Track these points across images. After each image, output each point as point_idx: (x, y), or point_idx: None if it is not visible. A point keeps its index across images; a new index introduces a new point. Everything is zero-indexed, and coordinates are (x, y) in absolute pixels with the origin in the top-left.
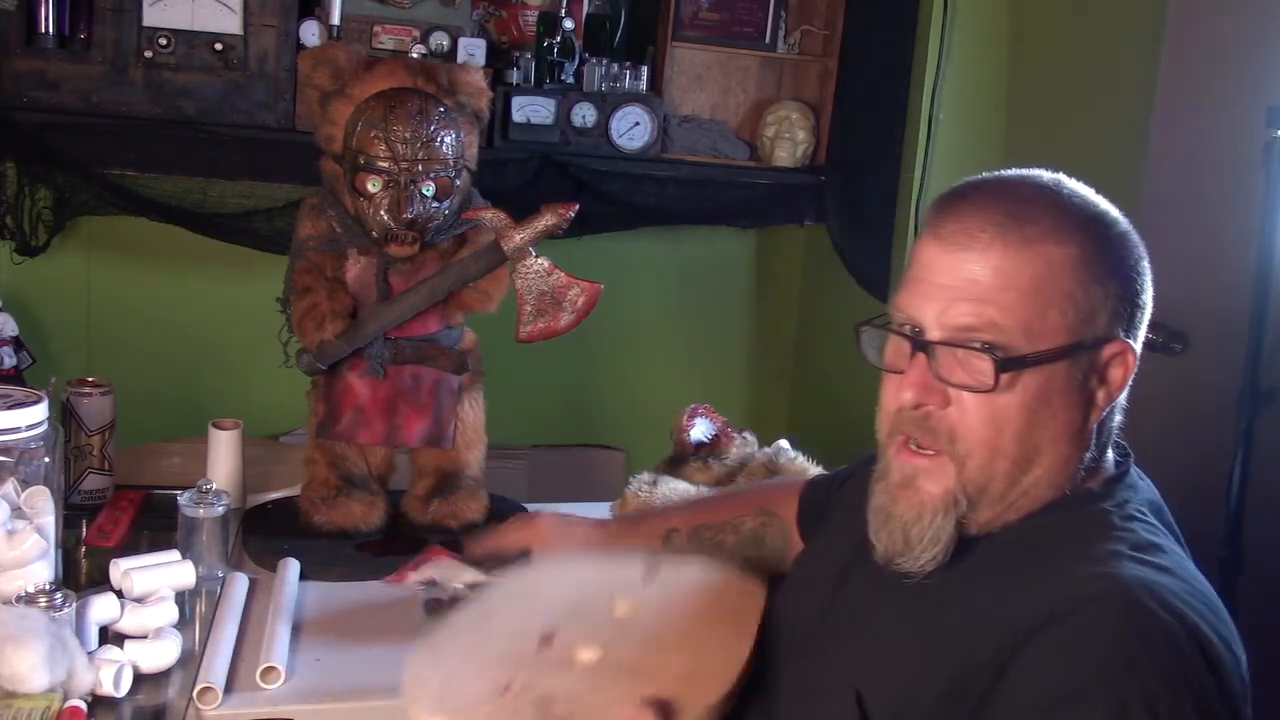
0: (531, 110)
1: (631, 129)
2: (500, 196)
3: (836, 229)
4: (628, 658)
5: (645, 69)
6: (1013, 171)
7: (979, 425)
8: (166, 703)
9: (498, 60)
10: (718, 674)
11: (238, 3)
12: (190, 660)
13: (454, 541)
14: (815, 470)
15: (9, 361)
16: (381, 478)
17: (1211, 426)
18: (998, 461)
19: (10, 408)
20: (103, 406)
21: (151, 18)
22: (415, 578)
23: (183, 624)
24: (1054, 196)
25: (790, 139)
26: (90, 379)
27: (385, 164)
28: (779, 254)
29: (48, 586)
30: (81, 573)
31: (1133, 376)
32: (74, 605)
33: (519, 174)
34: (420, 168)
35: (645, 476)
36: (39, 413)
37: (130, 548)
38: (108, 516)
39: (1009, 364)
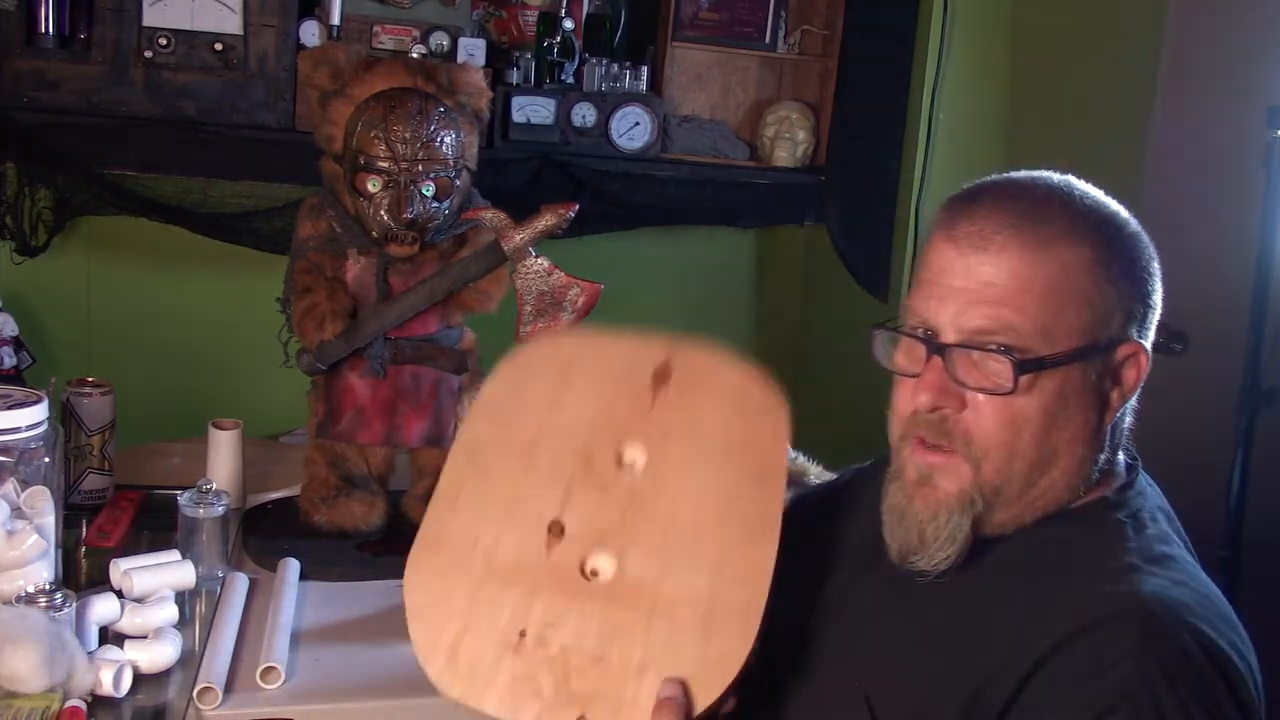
0: (531, 110)
1: (631, 129)
2: (500, 196)
3: (836, 229)
4: (646, 576)
5: (645, 69)
6: (1023, 173)
7: (997, 428)
8: (166, 703)
9: (498, 60)
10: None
11: (238, 3)
12: (190, 660)
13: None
14: (816, 470)
15: (9, 361)
16: (381, 478)
17: (1211, 426)
18: (1015, 463)
19: (10, 408)
20: (103, 406)
21: (151, 18)
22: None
23: (183, 624)
24: (1067, 198)
25: (790, 139)
26: (90, 379)
27: (385, 164)
28: (779, 254)
29: (48, 586)
30: (81, 573)
31: (1145, 377)
32: (74, 605)
33: (519, 174)
34: (420, 168)
35: None
36: (39, 413)
37: (130, 548)
38: (108, 516)
39: (1028, 366)
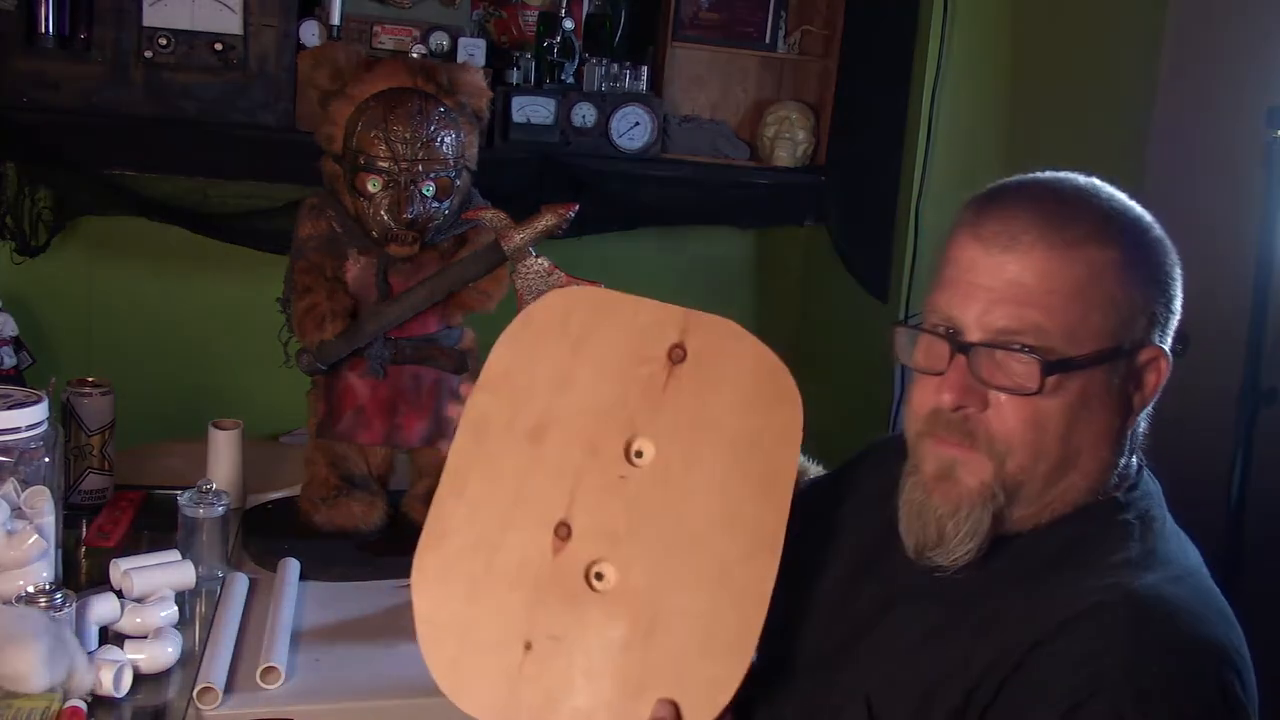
0: (531, 110)
1: (631, 129)
2: (500, 196)
3: (836, 229)
4: (648, 587)
5: (645, 69)
6: (1048, 173)
7: (1021, 428)
8: (166, 703)
9: (498, 60)
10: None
11: (238, 3)
12: (190, 660)
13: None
14: (815, 469)
15: (9, 361)
16: (381, 478)
17: (1211, 426)
18: (1039, 463)
19: (10, 408)
20: (103, 406)
21: (151, 18)
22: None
23: (183, 624)
24: (1094, 199)
25: (790, 139)
26: (90, 379)
27: (385, 164)
28: (779, 254)
29: (48, 586)
30: (81, 573)
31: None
32: (74, 605)
33: (519, 174)
34: (420, 168)
35: None
36: (39, 413)
37: (130, 548)
38: (108, 516)
39: (1054, 367)
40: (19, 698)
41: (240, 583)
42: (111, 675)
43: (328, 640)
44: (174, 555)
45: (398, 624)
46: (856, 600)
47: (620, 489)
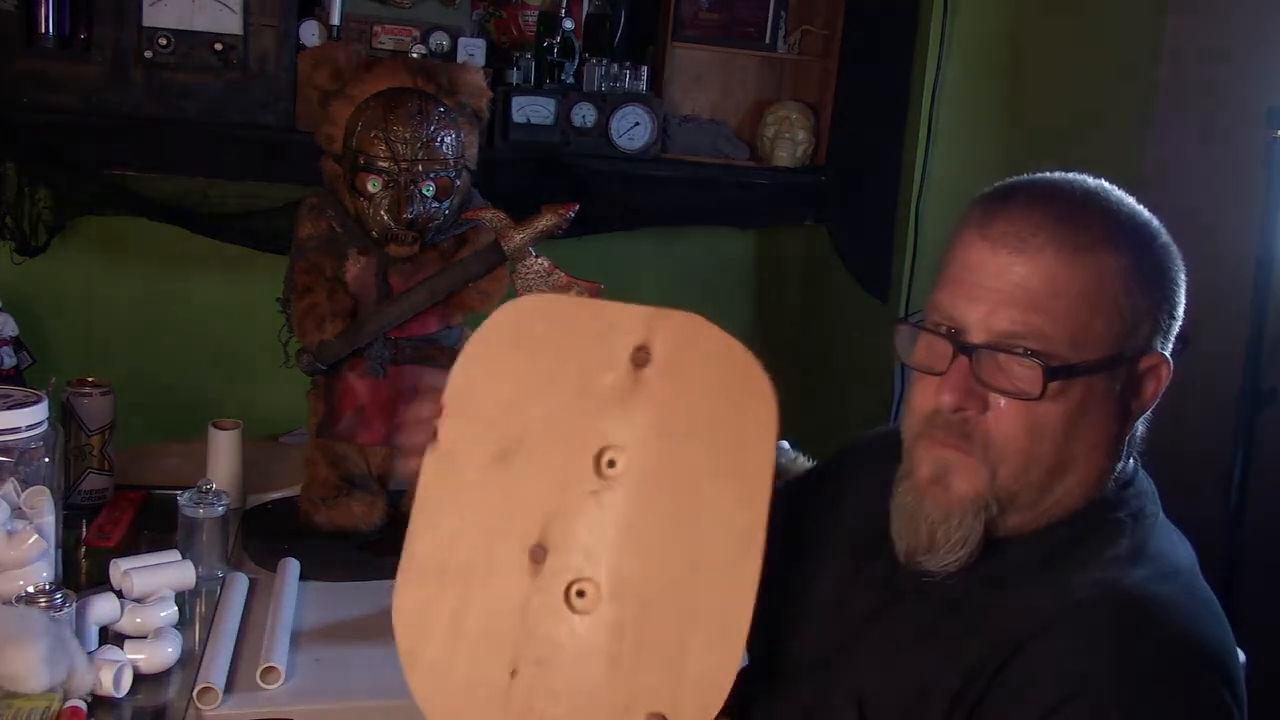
0: (531, 110)
1: (631, 129)
2: (500, 196)
3: (836, 229)
4: (629, 604)
5: (645, 69)
6: (1058, 175)
7: (1018, 433)
8: (166, 703)
9: (498, 60)
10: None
11: (238, 3)
12: (190, 660)
13: None
14: (804, 462)
15: (9, 361)
16: (381, 478)
17: (1211, 426)
18: (1032, 470)
19: (10, 408)
20: (103, 406)
21: (151, 18)
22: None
23: (183, 624)
24: (1104, 203)
25: (790, 139)
26: (90, 379)
27: (385, 164)
28: (779, 254)
29: (48, 586)
30: (81, 573)
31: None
32: (74, 605)
33: (519, 174)
34: (420, 168)
35: None
36: (39, 413)
37: (130, 548)
38: (108, 516)
39: (1057, 373)
40: (19, 698)
41: (240, 583)
42: (111, 675)
43: (328, 640)
44: (174, 555)
45: None
46: (851, 602)
47: (593, 503)
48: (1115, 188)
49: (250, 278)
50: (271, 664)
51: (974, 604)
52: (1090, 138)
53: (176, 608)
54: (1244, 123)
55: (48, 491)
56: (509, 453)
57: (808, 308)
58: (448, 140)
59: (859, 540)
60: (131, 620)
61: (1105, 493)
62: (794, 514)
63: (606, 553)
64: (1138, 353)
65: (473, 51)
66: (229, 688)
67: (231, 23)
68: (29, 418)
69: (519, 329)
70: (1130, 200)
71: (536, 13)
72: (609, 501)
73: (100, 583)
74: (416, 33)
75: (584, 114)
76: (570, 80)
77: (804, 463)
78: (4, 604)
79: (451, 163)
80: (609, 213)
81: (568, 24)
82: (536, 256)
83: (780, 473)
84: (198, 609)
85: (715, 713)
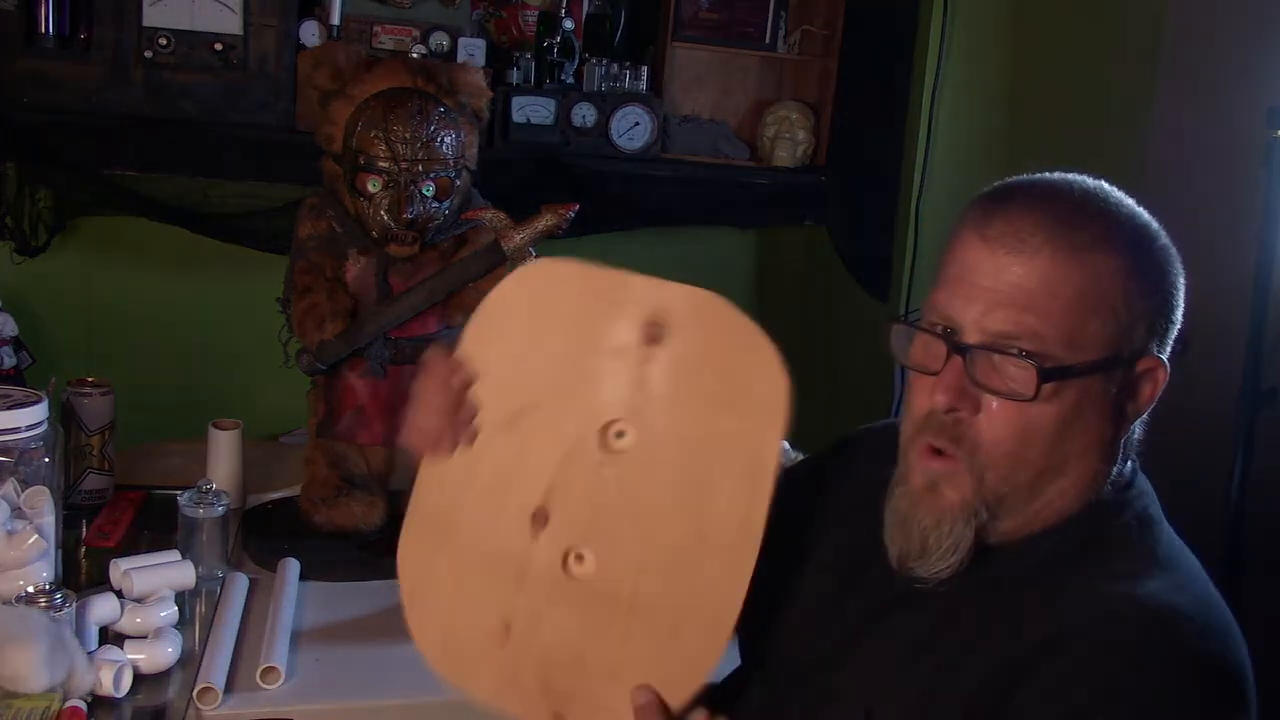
0: (531, 110)
1: (631, 129)
2: (500, 196)
3: (837, 229)
4: (625, 573)
5: (645, 69)
6: (1057, 175)
7: (1006, 436)
8: (166, 703)
9: (498, 60)
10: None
11: (238, 3)
12: (190, 660)
13: None
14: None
15: (9, 361)
16: (381, 478)
17: (1211, 426)
18: (1019, 472)
19: (10, 408)
20: (103, 406)
21: (151, 18)
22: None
23: (183, 624)
24: (1103, 204)
25: (790, 139)
26: (90, 379)
27: (385, 164)
28: (779, 254)
29: (48, 586)
30: (81, 573)
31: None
32: (74, 605)
33: (519, 174)
34: (420, 168)
35: None
36: (39, 413)
37: (130, 548)
38: (108, 516)
39: (1052, 374)
40: (19, 698)
41: (240, 583)
42: (111, 675)
43: (328, 640)
44: (174, 555)
45: (398, 624)
46: (848, 606)
47: (596, 474)
48: (1114, 188)
49: (250, 278)
50: (271, 664)
51: (973, 613)
52: (1090, 137)
53: (176, 608)
54: (1244, 123)
55: (48, 491)
56: (518, 416)
57: (808, 308)
58: (448, 140)
59: (854, 542)
60: (131, 620)
61: (1104, 496)
62: (790, 512)
63: (604, 523)
64: (1134, 355)
65: (473, 51)
66: (229, 688)
67: (231, 23)
68: (29, 418)
69: (534, 294)
70: (1129, 201)
71: (536, 13)
72: (614, 473)
73: (100, 583)
74: (416, 33)
75: (584, 114)
76: (570, 80)
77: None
78: (4, 604)
79: (451, 163)
80: (609, 213)
81: (568, 24)
82: (536, 256)
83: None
84: (198, 609)
85: (699, 685)
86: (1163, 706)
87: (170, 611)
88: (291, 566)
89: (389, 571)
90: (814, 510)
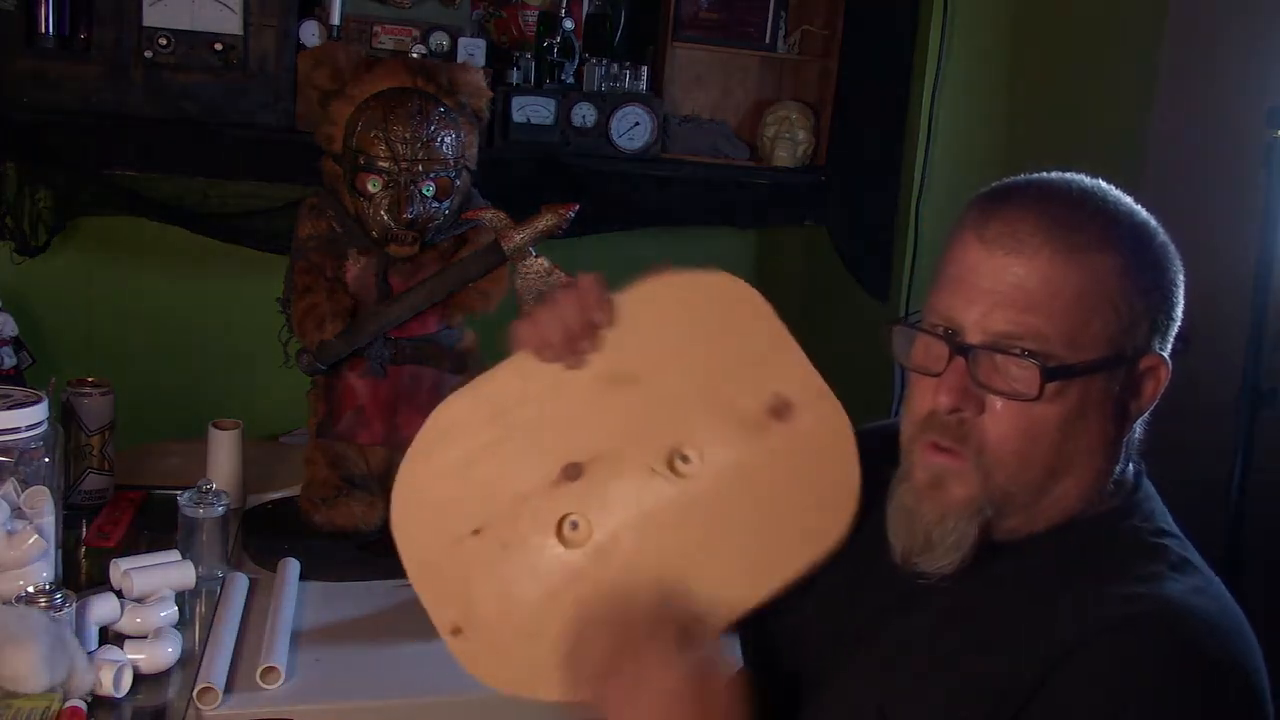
0: (531, 110)
1: (631, 129)
2: (500, 196)
3: (837, 229)
4: (591, 575)
5: (645, 69)
6: (1055, 175)
7: (1013, 435)
8: (166, 703)
9: (498, 60)
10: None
11: (238, 3)
12: (190, 660)
13: None
14: None
15: (9, 361)
16: (381, 478)
17: (1211, 426)
18: (1026, 471)
19: (10, 408)
20: (103, 406)
21: (151, 18)
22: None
23: (183, 624)
24: (1101, 203)
25: (790, 139)
26: (90, 379)
27: (385, 164)
28: (779, 254)
29: (48, 586)
30: (81, 573)
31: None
32: (74, 605)
33: (519, 174)
34: (420, 168)
35: None
36: (39, 413)
37: (130, 548)
38: (108, 516)
39: (1054, 373)
40: (19, 698)
41: (240, 583)
42: (111, 675)
43: (328, 640)
44: (174, 555)
45: (398, 624)
46: (855, 606)
47: (643, 476)
48: (1113, 188)
49: (250, 278)
50: (271, 664)
51: (991, 613)
52: (1090, 137)
53: (176, 608)
54: (1244, 123)
55: (48, 491)
56: (619, 382)
57: (808, 308)
58: (448, 140)
59: (859, 542)
60: (131, 620)
61: (1111, 500)
62: None
63: (619, 519)
64: (1136, 353)
65: (473, 51)
66: (229, 688)
67: (231, 23)
68: (29, 418)
69: (713, 301)
70: (1128, 200)
71: (536, 13)
72: (656, 486)
73: (100, 583)
74: (416, 33)
75: (584, 114)
76: (570, 80)
77: None
78: (4, 604)
79: (451, 163)
80: (609, 213)
81: (568, 24)
82: (536, 256)
83: None
84: (198, 609)
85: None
86: (1184, 707)
87: (170, 611)
88: (291, 566)
89: (389, 571)
90: None
